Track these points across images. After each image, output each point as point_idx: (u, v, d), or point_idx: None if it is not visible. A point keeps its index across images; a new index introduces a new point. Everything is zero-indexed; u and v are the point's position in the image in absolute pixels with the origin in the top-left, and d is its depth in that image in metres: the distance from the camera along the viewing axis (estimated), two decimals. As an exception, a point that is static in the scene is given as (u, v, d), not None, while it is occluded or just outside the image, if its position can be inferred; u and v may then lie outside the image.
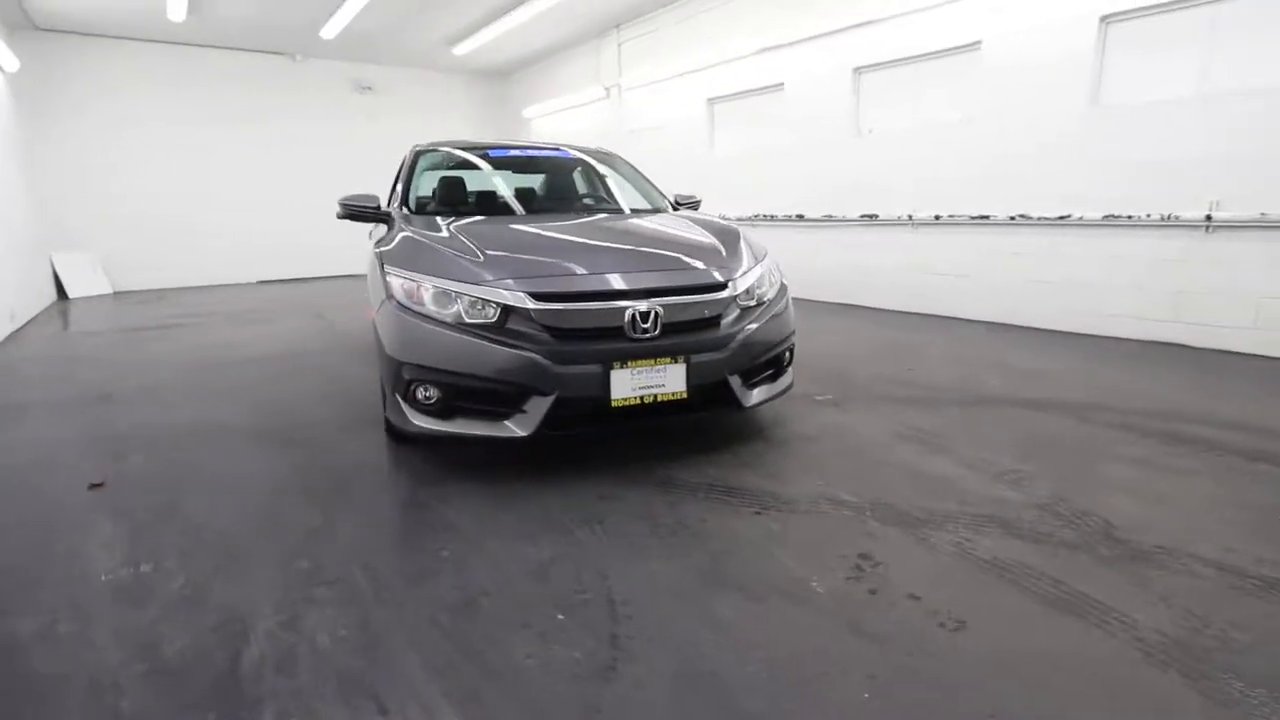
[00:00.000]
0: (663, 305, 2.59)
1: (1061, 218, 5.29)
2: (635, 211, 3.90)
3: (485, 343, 2.46)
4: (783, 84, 7.44)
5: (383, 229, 3.69)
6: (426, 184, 3.87)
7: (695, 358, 2.62)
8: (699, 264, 2.81)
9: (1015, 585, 1.89)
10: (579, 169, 4.32)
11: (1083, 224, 5.18)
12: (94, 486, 2.69)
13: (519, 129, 12.44)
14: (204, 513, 2.41)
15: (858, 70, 6.70)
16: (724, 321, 2.75)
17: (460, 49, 10.26)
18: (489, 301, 2.51)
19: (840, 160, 6.96)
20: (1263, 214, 4.32)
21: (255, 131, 10.48)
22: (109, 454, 3.04)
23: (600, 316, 2.54)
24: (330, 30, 9.09)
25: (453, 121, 12.27)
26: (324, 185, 11.22)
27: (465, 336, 2.48)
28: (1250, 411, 3.29)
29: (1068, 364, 4.35)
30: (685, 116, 8.80)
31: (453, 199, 3.89)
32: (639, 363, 2.53)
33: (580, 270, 2.66)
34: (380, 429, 3.27)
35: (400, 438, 3.02)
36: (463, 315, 2.52)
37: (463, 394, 2.53)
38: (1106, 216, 5.03)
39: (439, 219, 3.31)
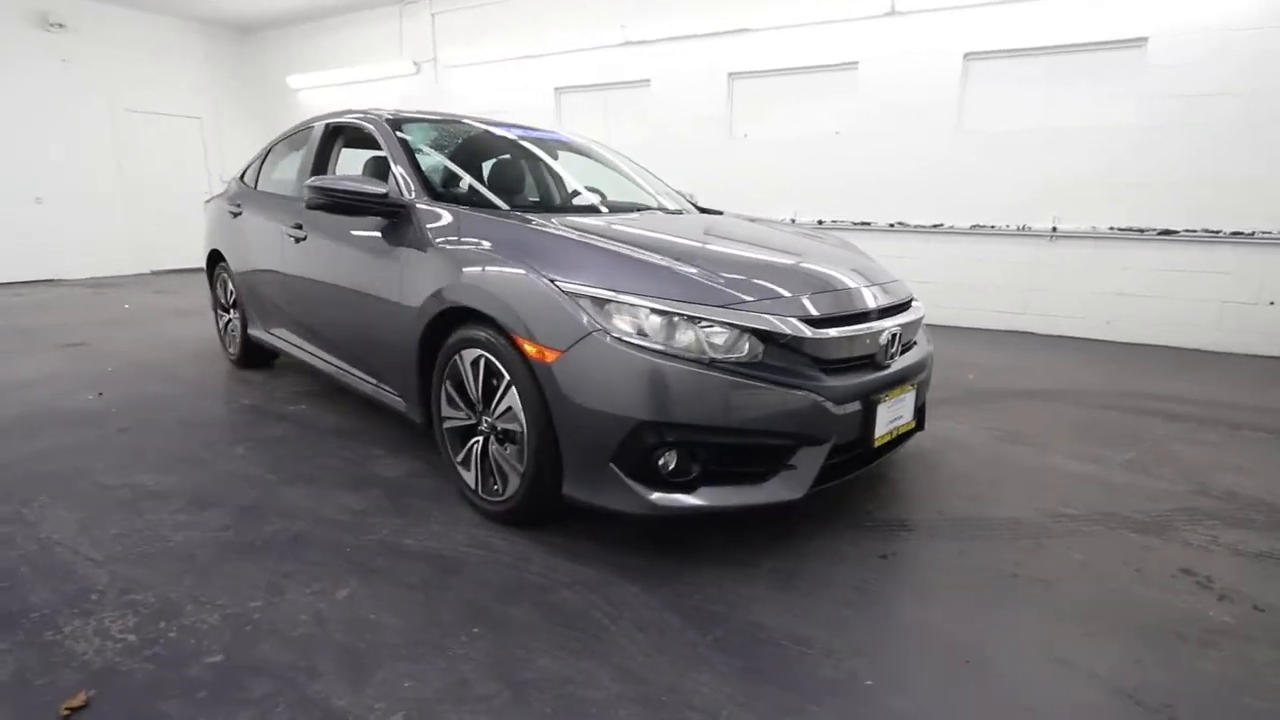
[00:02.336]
0: (900, 326, 2.26)
1: (934, 226, 6.07)
2: (710, 212, 3.42)
3: (759, 385, 1.87)
4: (649, 80, 7.26)
5: (368, 229, 2.65)
6: (430, 169, 2.85)
7: (917, 380, 2.35)
8: (893, 279, 2.52)
9: (1316, 574, 2.05)
10: (595, 159, 3.60)
11: (953, 232, 6.01)
12: (71, 712, 1.42)
13: (280, 101, 10.21)
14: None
15: (733, 75, 6.83)
16: (918, 341, 2.53)
17: (214, -10, 8.01)
18: (744, 329, 1.91)
19: (713, 162, 7.03)
20: (1093, 227, 5.47)
21: None
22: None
23: (865, 342, 2.12)
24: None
25: (181, 81, 9.57)
26: (-8, 154, 7.93)
27: (731, 379, 1.85)
28: (1170, 387, 4.13)
29: (985, 354, 4.99)
30: (526, 105, 8.07)
31: (484, 189, 2.92)
32: (892, 393, 2.17)
33: (831, 285, 2.19)
34: (453, 510, 2.34)
35: (524, 520, 2.17)
36: (705, 349, 1.89)
37: (722, 455, 1.90)
38: (973, 226, 5.91)
39: (493, 214, 2.45)
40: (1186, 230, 5.17)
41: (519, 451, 2.09)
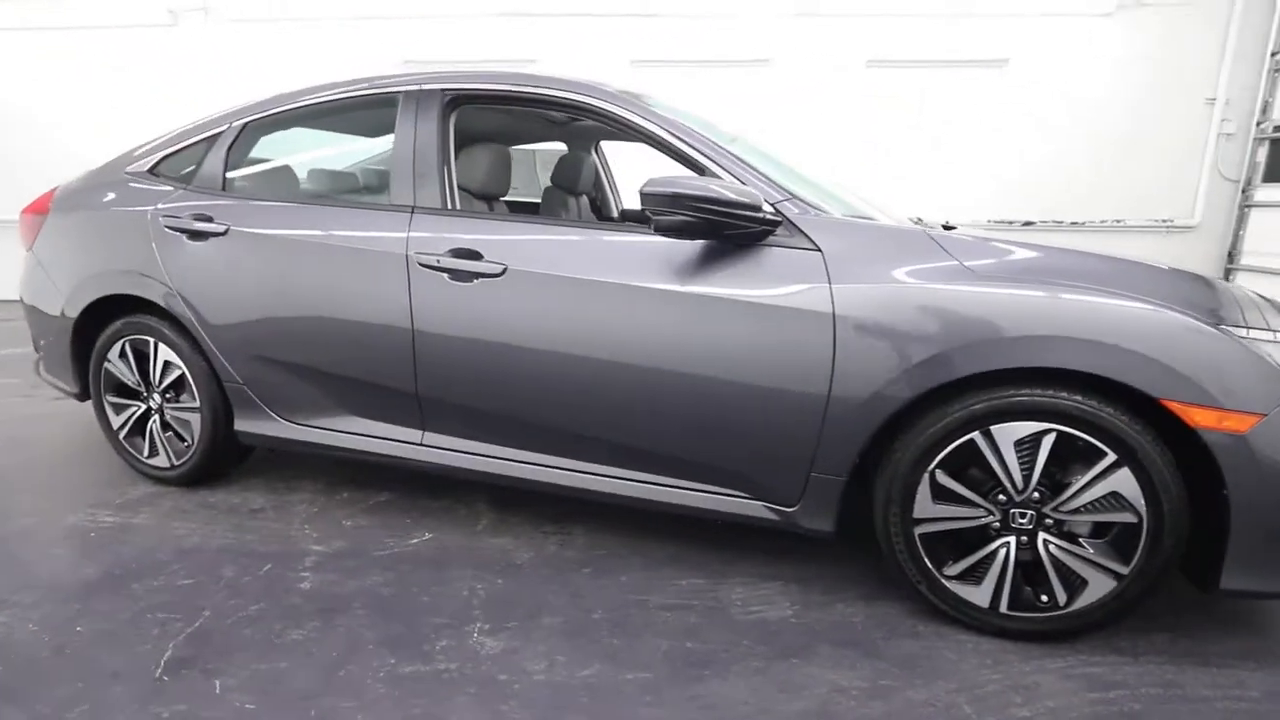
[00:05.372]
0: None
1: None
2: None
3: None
4: (534, 61, 6.32)
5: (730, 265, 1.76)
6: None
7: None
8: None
9: None
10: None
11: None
12: None
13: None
14: None
15: (636, 63, 6.32)
16: None
17: None
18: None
19: (611, 161, 6.46)
20: (973, 220, 6.37)
21: None
22: None
23: None
24: None
25: None
26: None
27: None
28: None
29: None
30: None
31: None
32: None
33: None
34: (959, 644, 1.70)
35: (1079, 634, 1.66)
36: None
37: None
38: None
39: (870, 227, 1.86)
40: (1041, 221, 6.33)
41: (1117, 547, 1.59)
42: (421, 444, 2.18)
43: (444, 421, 2.13)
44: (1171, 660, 1.64)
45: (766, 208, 1.75)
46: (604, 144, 3.54)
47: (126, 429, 2.56)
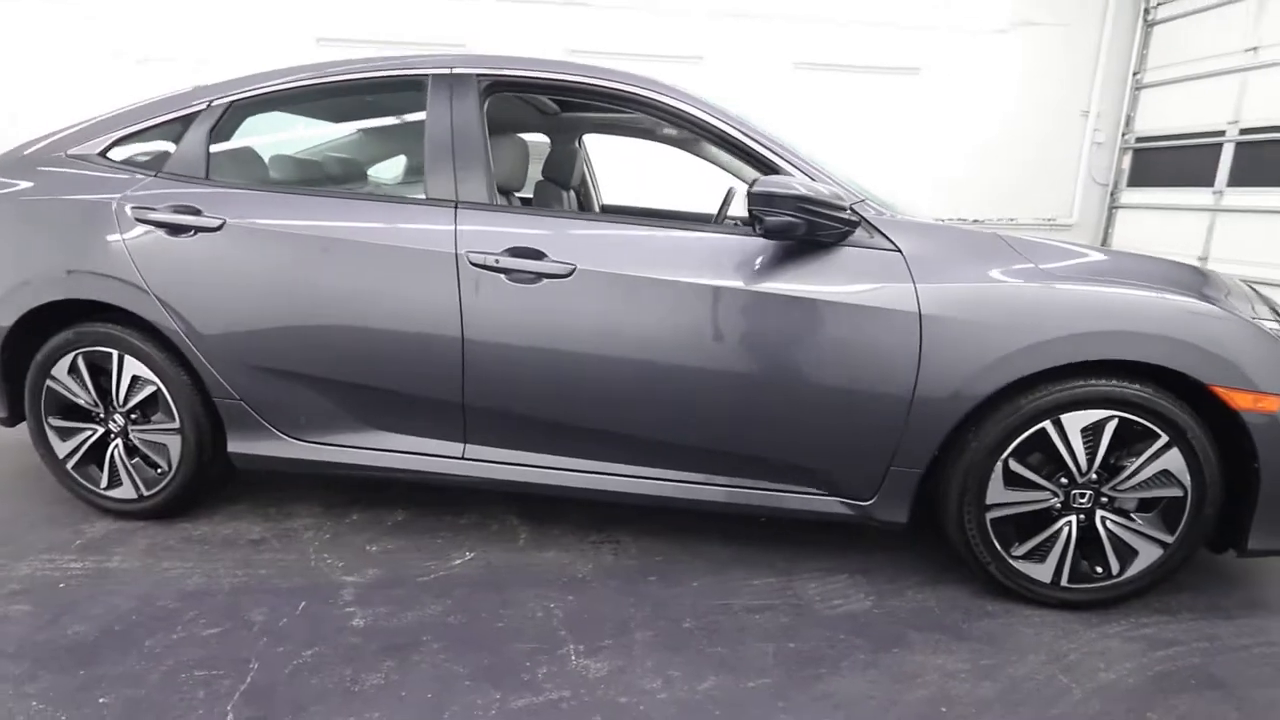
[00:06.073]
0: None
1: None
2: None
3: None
4: (464, 45, 6.00)
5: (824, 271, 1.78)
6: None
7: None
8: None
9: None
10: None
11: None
12: None
13: None
14: None
15: (572, 53, 6.16)
16: None
17: None
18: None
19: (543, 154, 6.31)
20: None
21: None
22: None
23: None
24: None
25: None
26: None
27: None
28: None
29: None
30: (258, 60, 5.80)
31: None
32: None
33: None
34: (1025, 618, 1.83)
35: (1110, 603, 1.84)
36: None
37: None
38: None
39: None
40: (948, 219, 6.87)
41: (1164, 519, 1.77)
42: (463, 458, 2.02)
43: (492, 433, 1.99)
44: (1202, 615, 1.86)
45: (843, 212, 1.78)
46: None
47: (77, 457, 2.18)
